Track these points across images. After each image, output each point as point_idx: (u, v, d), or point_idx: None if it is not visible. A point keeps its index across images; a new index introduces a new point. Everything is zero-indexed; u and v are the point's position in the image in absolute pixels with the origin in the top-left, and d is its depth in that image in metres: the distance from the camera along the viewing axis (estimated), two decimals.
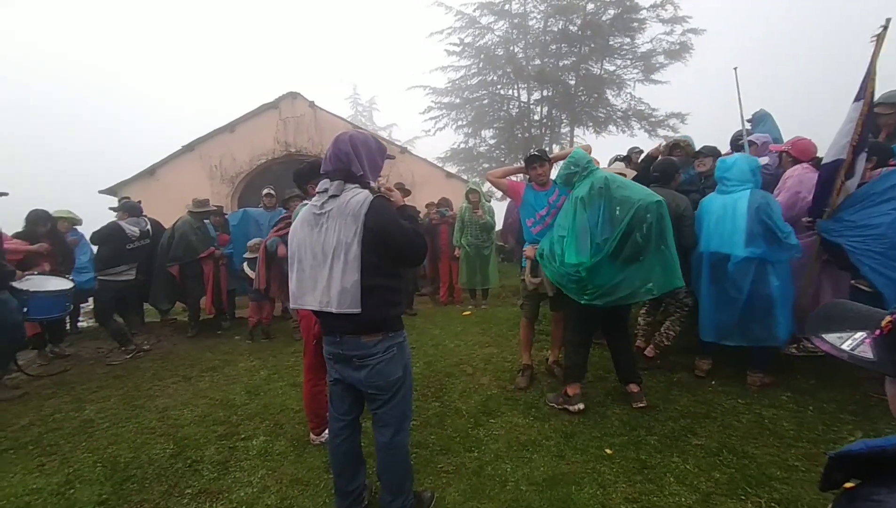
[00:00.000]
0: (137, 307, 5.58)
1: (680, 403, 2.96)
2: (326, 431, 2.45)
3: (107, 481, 2.40)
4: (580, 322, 2.99)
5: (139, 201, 5.70)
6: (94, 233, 4.85)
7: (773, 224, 2.82)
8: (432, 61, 16.01)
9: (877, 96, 2.80)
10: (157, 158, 9.17)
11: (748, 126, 4.31)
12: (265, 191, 5.93)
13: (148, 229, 5.09)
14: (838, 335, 0.66)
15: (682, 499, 2.04)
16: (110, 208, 5.30)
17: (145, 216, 5.27)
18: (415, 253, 1.82)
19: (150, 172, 9.10)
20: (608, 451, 2.45)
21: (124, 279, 4.84)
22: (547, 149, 15.88)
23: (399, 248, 1.74)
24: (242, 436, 2.86)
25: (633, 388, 2.96)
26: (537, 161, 3.20)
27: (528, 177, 3.34)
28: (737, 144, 4.03)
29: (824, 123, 3.57)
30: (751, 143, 3.79)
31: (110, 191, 8.83)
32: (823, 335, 0.67)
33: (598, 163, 2.98)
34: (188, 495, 2.27)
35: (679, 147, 3.92)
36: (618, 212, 2.61)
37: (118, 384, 3.92)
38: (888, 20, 2.57)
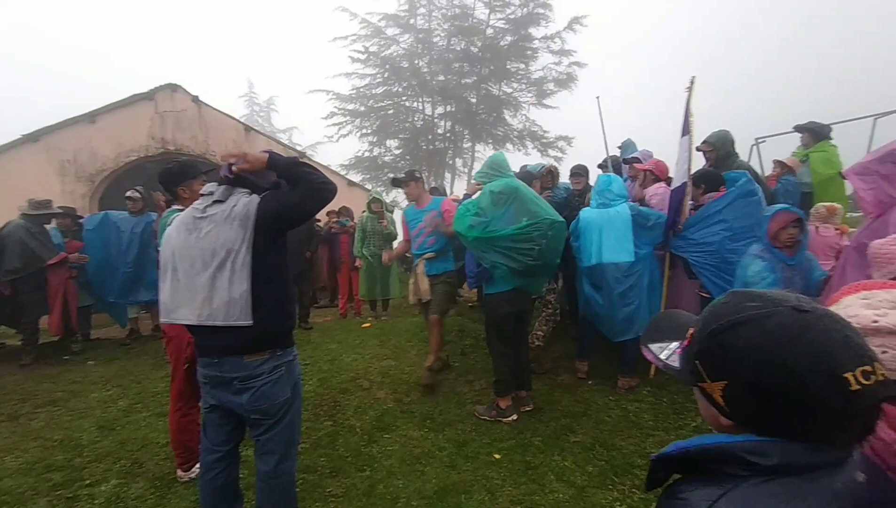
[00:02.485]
0: None
1: (562, 403, 3.19)
2: (197, 466, 2.18)
3: None
4: (497, 335, 3.05)
5: None
6: None
7: (646, 218, 3.26)
8: (336, 66, 15.59)
9: (695, 134, 3.40)
10: None
11: (618, 152, 4.90)
12: (128, 193, 5.14)
13: None
14: (660, 345, 0.73)
15: (561, 495, 2.19)
16: None
17: None
18: (318, 196, 1.60)
19: None
20: (497, 456, 2.54)
21: None
22: (451, 162, 16.33)
23: (303, 211, 1.62)
24: (87, 482, 2.41)
25: (522, 393, 3.13)
26: (401, 183, 3.62)
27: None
28: (616, 164, 4.53)
29: (667, 148, 4.17)
30: (634, 160, 4.27)
31: None
32: (650, 345, 0.74)
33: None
34: None
35: (551, 173, 4.31)
36: (524, 221, 2.77)
37: None
38: (693, 77, 3.26)
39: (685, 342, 0.68)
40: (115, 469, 2.53)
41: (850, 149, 4.43)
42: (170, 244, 1.66)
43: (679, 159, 3.28)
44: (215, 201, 1.61)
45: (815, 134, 4.32)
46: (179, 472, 2.40)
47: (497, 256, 2.79)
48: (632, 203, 3.38)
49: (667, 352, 0.71)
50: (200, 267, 1.57)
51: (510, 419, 2.96)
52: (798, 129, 4.48)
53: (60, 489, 2.35)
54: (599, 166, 4.75)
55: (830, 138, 4.34)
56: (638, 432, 2.75)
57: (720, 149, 3.83)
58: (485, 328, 3.23)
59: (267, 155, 1.60)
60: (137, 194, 5.10)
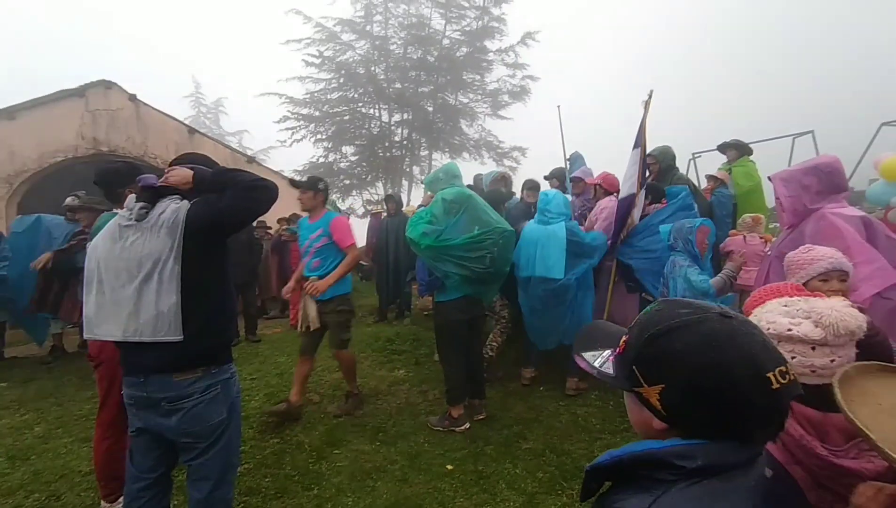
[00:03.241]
0: None
1: (514, 410, 3.23)
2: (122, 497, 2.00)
3: None
4: (448, 344, 3.04)
5: None
6: None
7: (580, 239, 3.37)
8: (289, 69, 15.11)
9: (647, 147, 3.58)
10: None
11: (566, 164, 5.09)
12: (70, 199, 4.64)
13: None
14: (592, 353, 0.74)
15: (511, 504, 2.20)
16: None
17: None
18: (253, 195, 1.51)
19: None
20: (449, 467, 2.52)
21: None
22: (407, 170, 16.33)
23: (237, 215, 1.52)
24: None
25: (476, 401, 3.13)
26: (298, 186, 3.15)
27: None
28: (560, 181, 4.69)
29: (616, 162, 4.37)
30: (577, 179, 4.46)
31: None
32: (583, 354, 0.75)
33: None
34: None
35: (504, 179, 4.40)
36: (476, 230, 2.81)
37: None
38: (651, 91, 3.41)
39: (618, 350, 0.70)
40: (26, 505, 2.28)
41: (775, 165, 4.86)
42: (95, 255, 1.54)
43: (628, 171, 3.44)
44: (141, 208, 1.50)
45: (738, 150, 4.69)
46: (104, 504, 2.20)
47: (450, 265, 2.80)
48: (571, 222, 3.48)
49: (600, 360, 0.73)
50: (126, 279, 1.47)
51: (463, 427, 2.95)
52: (722, 147, 4.85)
53: None
54: (546, 178, 4.90)
55: (750, 154, 4.73)
56: (587, 436, 2.83)
57: (662, 162, 4.07)
58: (436, 336, 3.22)
59: (192, 172, 1.53)
60: (77, 201, 4.64)
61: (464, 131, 15.68)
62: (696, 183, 5.41)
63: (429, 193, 4.46)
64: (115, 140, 7.94)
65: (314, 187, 3.07)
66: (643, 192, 3.52)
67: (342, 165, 15.88)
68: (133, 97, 8.06)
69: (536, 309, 3.41)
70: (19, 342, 5.16)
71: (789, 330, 1.04)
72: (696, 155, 7.08)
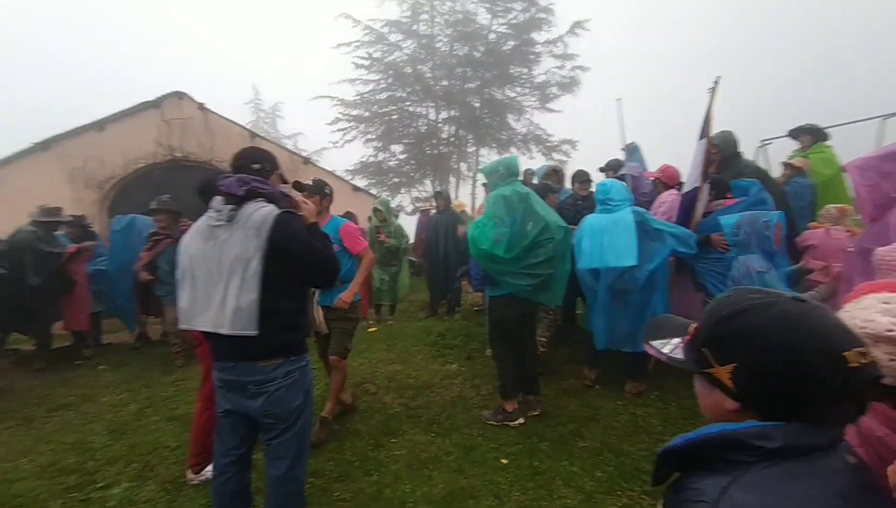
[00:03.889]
0: None
1: (569, 408, 3.19)
2: (209, 468, 2.20)
3: None
4: (500, 338, 3.06)
5: None
6: None
7: (654, 228, 3.20)
8: (340, 72, 15.65)
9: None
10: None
11: (622, 155, 4.91)
12: (154, 204, 5.10)
13: None
14: (661, 341, 0.78)
15: (569, 501, 2.19)
16: None
17: None
18: (323, 276, 1.76)
19: None
20: (504, 461, 2.54)
21: None
22: (455, 167, 16.38)
23: (306, 270, 1.68)
24: (100, 485, 2.45)
25: (530, 397, 3.13)
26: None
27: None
28: (615, 172, 4.54)
29: (680, 156, 4.16)
30: (624, 176, 4.31)
31: None
32: (651, 342, 0.79)
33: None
34: None
35: (556, 173, 4.31)
36: (529, 227, 2.79)
37: None
38: (718, 77, 3.17)
39: (688, 337, 0.74)
40: (126, 473, 2.56)
41: (858, 151, 4.42)
42: (187, 252, 1.69)
43: (693, 163, 3.27)
44: (231, 209, 1.62)
45: (813, 136, 4.31)
46: (189, 474, 2.43)
47: (519, 278, 2.81)
48: (637, 208, 3.35)
49: (669, 347, 0.76)
50: (216, 275, 1.60)
51: (517, 422, 2.95)
52: (794, 132, 4.47)
53: (73, 491, 2.38)
54: (602, 170, 4.76)
55: (826, 139, 4.33)
56: (647, 437, 2.75)
57: (725, 149, 3.83)
58: (488, 331, 3.23)
59: (313, 210, 1.80)
60: (156, 205, 5.08)
61: (511, 126, 15.50)
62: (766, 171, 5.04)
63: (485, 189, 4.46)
64: (186, 146, 8.61)
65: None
66: (707, 186, 3.34)
67: (391, 163, 16.22)
68: (202, 106, 8.70)
69: (602, 303, 3.28)
70: (113, 329, 5.76)
71: (889, 331, 0.96)
72: (765, 142, 6.55)
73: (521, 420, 2.97)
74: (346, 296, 2.86)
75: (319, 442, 2.76)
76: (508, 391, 3.00)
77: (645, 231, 3.19)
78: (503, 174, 2.99)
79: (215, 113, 8.90)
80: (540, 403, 3.15)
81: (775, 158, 5.83)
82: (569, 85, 14.84)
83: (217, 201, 1.66)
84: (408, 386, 3.67)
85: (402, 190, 16.97)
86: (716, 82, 3.16)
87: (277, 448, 1.71)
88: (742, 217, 3.03)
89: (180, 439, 2.90)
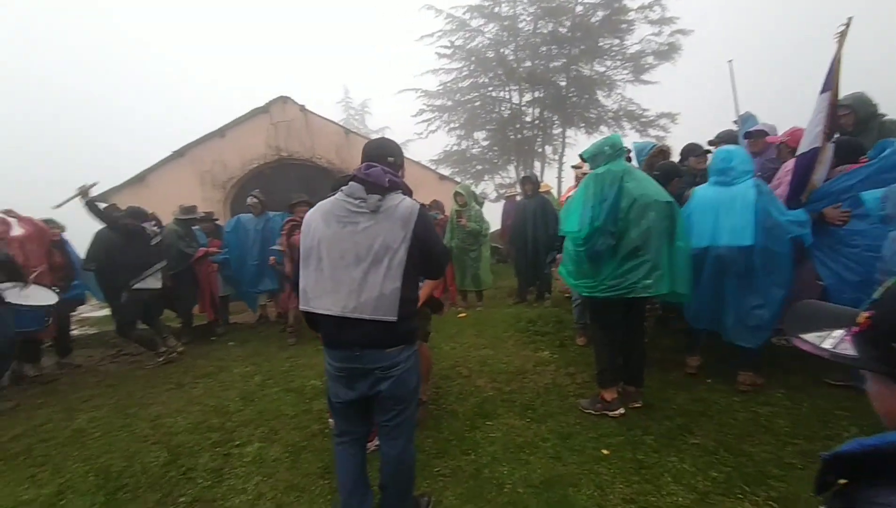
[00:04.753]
0: (159, 314, 5.24)
1: (676, 402, 2.97)
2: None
3: (99, 491, 2.37)
4: (599, 321, 2.94)
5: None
6: (110, 243, 4.54)
7: (777, 212, 2.83)
8: (423, 64, 16.00)
9: (841, 90, 2.86)
10: (147, 165, 9.08)
11: (734, 127, 4.36)
12: (249, 199, 5.85)
13: (157, 230, 4.92)
14: (817, 334, 0.67)
15: (680, 499, 2.05)
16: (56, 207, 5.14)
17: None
18: (441, 267, 1.89)
19: (140, 178, 9.01)
20: (605, 452, 2.45)
21: (153, 288, 4.58)
22: (540, 151, 15.90)
23: (434, 262, 1.77)
24: (237, 443, 2.83)
25: (631, 388, 2.97)
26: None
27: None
28: (731, 135, 4.04)
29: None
30: (758, 132, 3.80)
31: (100, 198, 8.68)
32: (802, 336, 0.68)
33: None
34: (182, 504, 2.24)
35: (663, 153, 3.95)
36: (623, 204, 2.61)
37: (110, 393, 3.87)
38: (850, 19, 2.66)
39: (857, 328, 0.62)
40: (256, 434, 2.93)
41: None
42: (315, 234, 1.67)
43: (813, 119, 2.81)
44: (378, 200, 1.63)
45: None
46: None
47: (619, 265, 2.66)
48: (759, 180, 2.96)
49: (831, 341, 0.65)
50: (353, 261, 1.61)
51: (617, 412, 2.82)
52: None
53: (218, 446, 2.79)
54: (711, 143, 4.28)
55: None
56: (773, 439, 2.45)
57: (859, 110, 3.23)
58: (588, 316, 3.10)
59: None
60: (256, 200, 5.79)
61: (601, 103, 14.62)
62: None
63: (579, 171, 4.27)
64: (291, 146, 9.47)
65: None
66: (831, 147, 2.84)
67: (474, 151, 16.26)
68: (303, 108, 9.48)
69: (710, 284, 2.99)
70: (238, 311, 6.61)
71: None
72: None
73: (622, 411, 2.83)
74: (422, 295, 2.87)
75: (419, 422, 2.88)
76: (607, 379, 2.87)
77: (768, 212, 2.82)
78: (610, 154, 2.78)
79: (314, 113, 9.64)
80: (642, 395, 2.97)
81: None
82: (667, 53, 13.55)
83: (356, 188, 1.66)
84: (500, 371, 3.69)
85: (486, 177, 16.93)
86: (846, 25, 2.65)
87: (395, 429, 1.77)
88: (890, 189, 2.54)
89: (297, 408, 3.25)
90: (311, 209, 1.77)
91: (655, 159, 3.78)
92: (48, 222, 4.78)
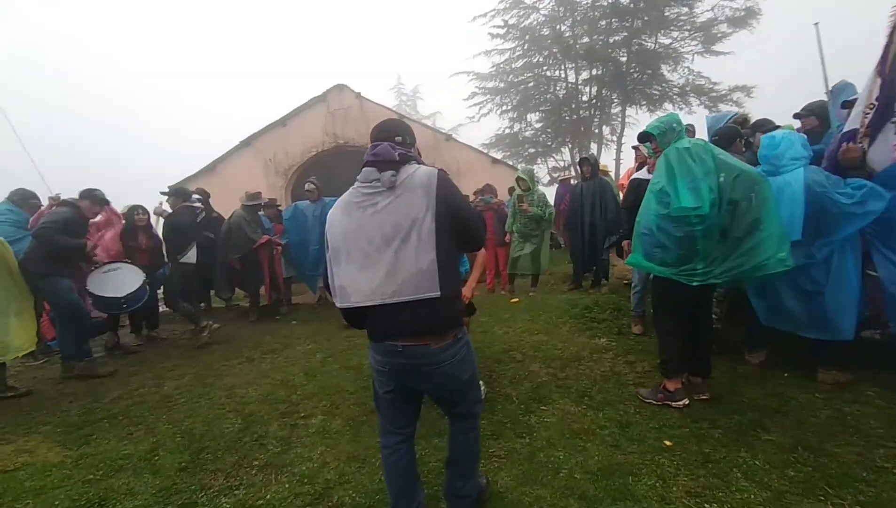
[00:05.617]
0: (200, 292, 5.87)
1: (747, 396, 2.78)
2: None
3: (185, 450, 2.63)
4: (666, 309, 2.81)
5: (208, 196, 6.12)
6: (167, 221, 5.18)
7: (830, 198, 2.56)
8: (475, 46, 15.78)
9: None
10: (218, 155, 9.74)
11: (826, 98, 3.89)
12: (307, 185, 6.13)
13: (201, 207, 5.47)
14: None
15: (752, 496, 1.93)
16: (161, 193, 5.65)
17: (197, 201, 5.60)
18: (478, 235, 1.70)
19: (211, 168, 9.68)
20: (667, 443, 2.35)
21: (192, 263, 5.09)
22: (596, 131, 15.21)
23: (466, 229, 1.60)
24: (302, 414, 3.01)
25: (697, 379, 2.81)
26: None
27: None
28: (820, 118, 3.63)
29: None
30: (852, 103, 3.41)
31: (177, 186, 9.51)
32: None
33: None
34: (256, 466, 2.43)
35: (746, 120, 3.62)
36: (722, 178, 2.42)
37: (191, 364, 4.26)
38: None
39: None
40: (319, 407, 3.11)
41: None
42: (339, 228, 1.60)
43: (861, 97, 2.54)
44: (392, 176, 1.53)
45: None
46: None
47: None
48: (816, 168, 2.68)
49: None
50: (381, 243, 1.51)
51: (680, 403, 2.68)
52: None
53: (285, 417, 2.99)
54: (797, 116, 3.86)
55: None
56: (862, 440, 2.23)
57: None
58: (653, 304, 2.96)
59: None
60: (313, 186, 6.04)
61: (665, 78, 13.64)
62: None
63: (643, 150, 4.05)
64: (347, 133, 9.73)
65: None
66: (892, 127, 2.50)
67: (527, 133, 15.87)
68: (358, 95, 9.68)
69: (774, 284, 2.79)
70: (299, 293, 6.99)
71: None
72: None
73: (686, 402, 2.69)
74: (466, 292, 2.71)
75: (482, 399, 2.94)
76: (671, 368, 2.74)
77: (820, 198, 2.56)
78: (679, 130, 2.63)
79: (369, 100, 9.82)
80: (709, 386, 2.81)
81: None
82: (743, 19, 12.35)
83: (368, 172, 1.59)
84: (555, 357, 3.63)
85: (539, 160, 16.49)
86: None
87: (458, 414, 1.78)
88: None
89: (356, 385, 3.40)
90: (332, 207, 1.68)
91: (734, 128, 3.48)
92: (135, 207, 5.25)
